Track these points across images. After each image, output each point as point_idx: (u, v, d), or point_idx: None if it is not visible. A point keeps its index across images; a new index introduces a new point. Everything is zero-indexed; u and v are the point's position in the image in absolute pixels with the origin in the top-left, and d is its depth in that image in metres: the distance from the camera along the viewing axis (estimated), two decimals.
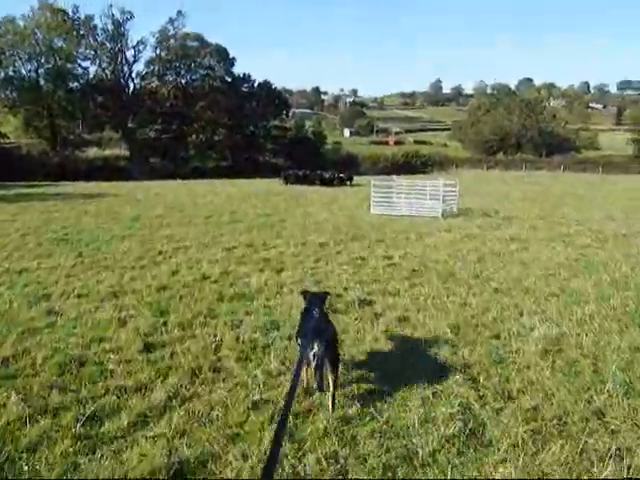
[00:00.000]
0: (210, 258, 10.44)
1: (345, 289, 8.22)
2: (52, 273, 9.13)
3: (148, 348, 5.70)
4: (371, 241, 12.82)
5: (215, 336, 6.01)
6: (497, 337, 6.16)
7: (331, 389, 4.43)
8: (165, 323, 6.43)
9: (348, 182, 38.06)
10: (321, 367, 4.26)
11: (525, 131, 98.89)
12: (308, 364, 4.38)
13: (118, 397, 4.62)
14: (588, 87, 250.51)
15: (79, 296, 7.67)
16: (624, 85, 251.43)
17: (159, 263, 10.02)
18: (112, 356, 5.46)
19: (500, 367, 5.32)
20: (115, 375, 5.06)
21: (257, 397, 4.63)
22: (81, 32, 66.47)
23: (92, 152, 71.73)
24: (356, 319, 6.77)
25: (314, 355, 4.19)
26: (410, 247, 12.13)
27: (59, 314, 6.82)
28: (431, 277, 9.12)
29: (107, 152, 72.93)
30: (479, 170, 79.66)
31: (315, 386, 4.48)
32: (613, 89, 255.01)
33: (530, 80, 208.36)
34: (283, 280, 8.69)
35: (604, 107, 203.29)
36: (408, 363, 5.36)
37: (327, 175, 37.68)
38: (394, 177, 20.81)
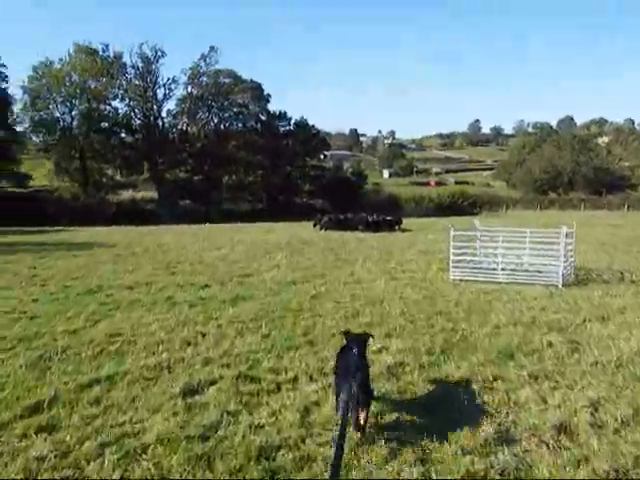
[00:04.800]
0: (133, 449, 4.36)
1: None
2: None
3: None
4: (490, 358, 6.52)
5: None
6: None
7: (362, 421, 4.34)
8: None
9: (397, 227, 31.79)
10: (356, 405, 4.22)
11: (579, 168, 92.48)
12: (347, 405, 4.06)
13: None
14: (633, 123, 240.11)
15: None
16: None
17: None
18: None
19: None
20: None
21: None
22: (111, 71, 63.46)
23: (127, 195, 68.26)
24: None
25: (350, 395, 4.12)
26: (584, 383, 5.69)
27: None
28: None
29: (140, 194, 69.29)
30: (532, 211, 72.99)
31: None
32: None
33: (572, 119, 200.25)
34: None
35: None
36: None
37: (372, 219, 31.17)
38: (476, 222, 14.50)
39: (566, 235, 12.07)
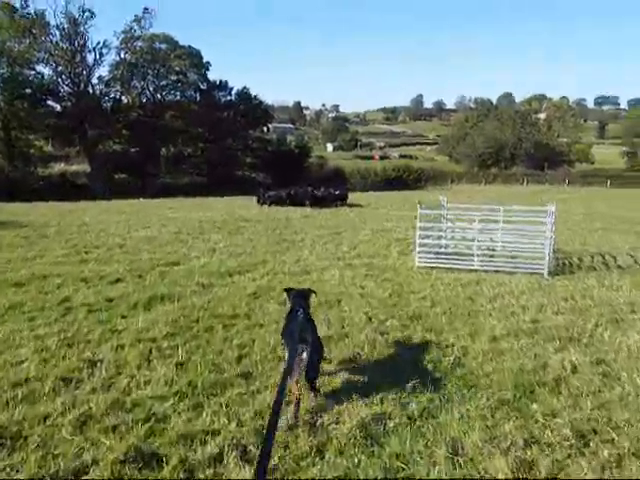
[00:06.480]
0: None
1: None
2: None
3: None
4: (504, 397, 4.56)
5: None
6: None
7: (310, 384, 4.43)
8: None
9: (342, 202, 29.21)
10: (308, 370, 4.27)
11: (520, 143, 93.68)
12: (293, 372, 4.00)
13: None
14: (568, 102, 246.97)
15: None
16: (600, 100, 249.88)
17: None
18: None
19: None
20: None
21: None
22: (33, 31, 57.86)
23: (58, 168, 63.33)
24: None
25: (301, 360, 4.14)
26: None
27: None
28: None
29: (74, 167, 64.52)
30: (477, 185, 73.44)
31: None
32: (590, 104, 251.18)
33: (510, 94, 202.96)
34: None
35: (585, 121, 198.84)
36: None
37: (320, 193, 28.55)
38: (443, 199, 12.55)
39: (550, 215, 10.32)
